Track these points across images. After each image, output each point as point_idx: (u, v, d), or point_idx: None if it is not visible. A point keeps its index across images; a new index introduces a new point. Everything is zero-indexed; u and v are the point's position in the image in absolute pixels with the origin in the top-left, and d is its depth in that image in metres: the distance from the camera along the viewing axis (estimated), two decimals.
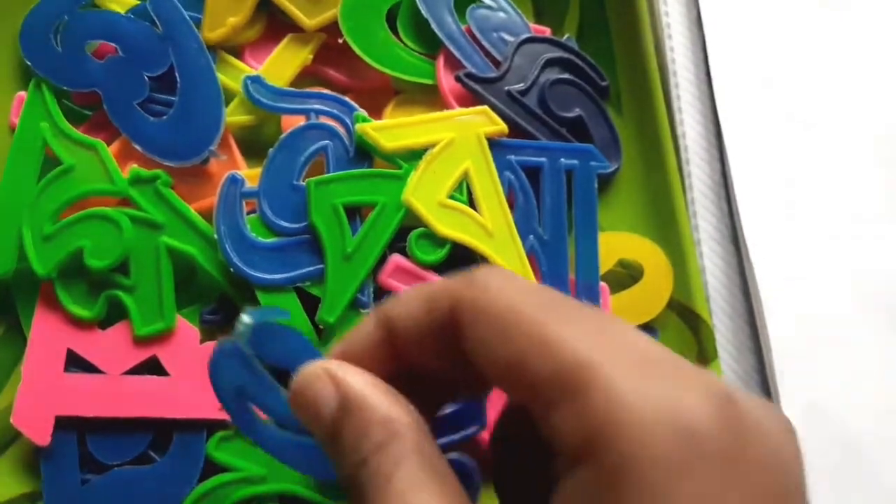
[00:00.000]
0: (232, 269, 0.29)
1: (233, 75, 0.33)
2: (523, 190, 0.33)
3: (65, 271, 0.29)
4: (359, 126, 0.31)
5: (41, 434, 0.28)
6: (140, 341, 0.29)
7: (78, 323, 0.29)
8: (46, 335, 0.29)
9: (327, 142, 0.31)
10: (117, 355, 0.29)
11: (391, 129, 0.31)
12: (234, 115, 0.32)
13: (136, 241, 0.29)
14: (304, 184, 0.30)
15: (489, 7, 0.35)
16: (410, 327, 0.19)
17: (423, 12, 0.34)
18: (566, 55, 0.36)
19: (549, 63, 0.35)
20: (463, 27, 0.34)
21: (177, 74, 0.31)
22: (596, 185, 0.34)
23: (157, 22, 0.31)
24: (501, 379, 0.18)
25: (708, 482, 0.15)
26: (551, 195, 0.33)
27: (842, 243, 0.36)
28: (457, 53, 0.34)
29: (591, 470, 0.16)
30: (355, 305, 0.29)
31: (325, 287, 0.29)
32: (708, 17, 0.39)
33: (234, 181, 0.30)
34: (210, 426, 0.29)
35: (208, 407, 0.28)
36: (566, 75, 0.35)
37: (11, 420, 0.28)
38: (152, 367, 0.29)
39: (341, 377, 0.19)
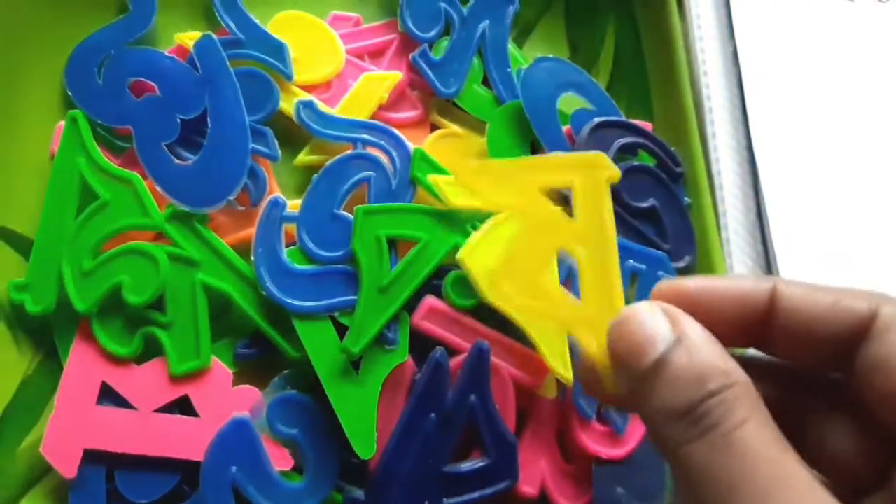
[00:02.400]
0: (264, 292, 0.29)
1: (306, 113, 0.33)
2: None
3: (102, 307, 0.29)
4: (431, 177, 0.30)
5: (68, 466, 0.28)
6: (174, 379, 0.29)
7: (114, 357, 0.29)
8: (82, 367, 0.29)
9: (371, 173, 0.31)
10: (150, 392, 0.29)
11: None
12: (311, 156, 0.33)
13: (172, 278, 0.29)
14: (344, 213, 0.30)
15: (592, 112, 0.35)
16: (808, 313, 0.19)
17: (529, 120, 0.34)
18: (640, 140, 0.35)
19: (624, 148, 0.34)
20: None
21: (208, 120, 0.31)
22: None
23: (198, 65, 0.32)
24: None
25: None
26: None
27: (887, 288, 0.35)
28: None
29: None
30: (381, 340, 0.29)
31: (354, 317, 0.29)
32: (744, 52, 0.39)
33: (276, 204, 0.30)
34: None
35: None
36: (640, 162, 0.34)
37: (41, 450, 0.28)
38: (183, 405, 0.29)
39: (681, 318, 0.18)
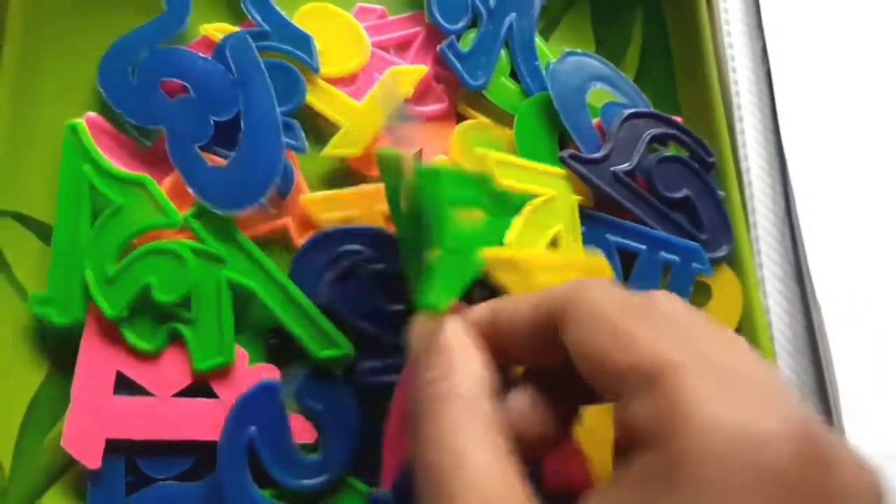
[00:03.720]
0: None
1: (332, 104, 0.33)
2: (614, 272, 0.31)
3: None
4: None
5: (92, 457, 0.28)
6: (197, 374, 0.29)
7: (127, 346, 0.29)
8: (95, 358, 0.29)
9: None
10: (167, 378, 0.29)
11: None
12: (337, 149, 0.32)
13: (197, 274, 0.29)
14: None
15: (622, 105, 0.35)
16: (516, 323, 0.22)
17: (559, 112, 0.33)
18: (671, 131, 0.34)
19: (654, 139, 0.34)
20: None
21: (242, 122, 0.31)
22: (692, 289, 0.33)
23: (233, 66, 0.31)
24: (589, 372, 0.20)
25: None
26: (640, 287, 0.29)
27: None
28: (581, 147, 0.33)
29: (656, 455, 0.17)
30: None
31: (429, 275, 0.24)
32: (774, 49, 0.38)
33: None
34: None
35: None
36: (672, 153, 0.34)
37: (62, 443, 0.28)
38: (200, 387, 0.29)
39: (445, 321, 0.23)
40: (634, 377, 0.18)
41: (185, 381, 0.29)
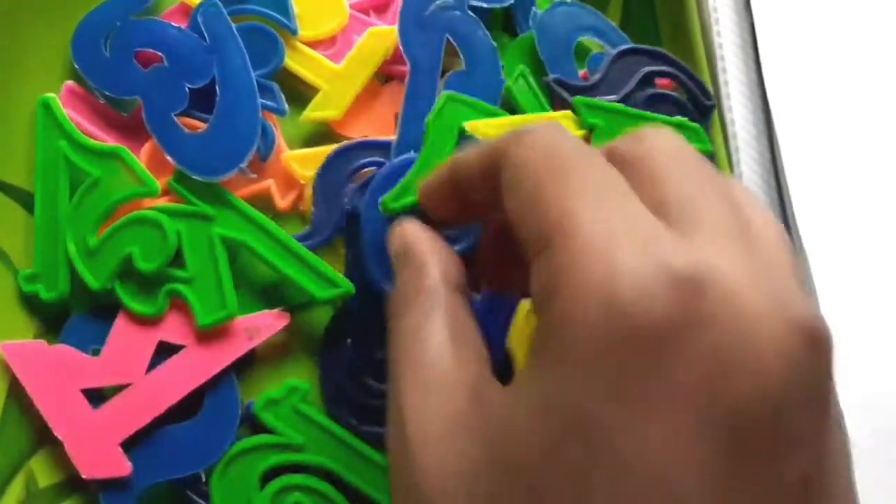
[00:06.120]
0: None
1: (311, 67, 0.33)
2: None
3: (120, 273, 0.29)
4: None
5: (119, 467, 0.28)
6: (142, 328, 0.29)
7: (69, 361, 0.29)
8: (53, 394, 0.28)
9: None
10: (128, 366, 0.29)
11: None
12: (317, 111, 0.32)
13: (188, 234, 0.29)
14: None
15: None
16: (466, 172, 0.21)
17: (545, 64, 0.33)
18: (670, 69, 0.33)
19: (649, 77, 0.33)
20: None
21: (217, 88, 0.31)
22: None
23: (205, 34, 0.31)
24: (517, 239, 0.18)
25: (628, 372, 0.15)
26: None
27: None
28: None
29: (539, 323, 0.16)
30: None
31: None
32: (757, 2, 0.38)
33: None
34: (238, 372, 0.29)
35: (229, 353, 0.29)
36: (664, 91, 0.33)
37: (83, 477, 0.27)
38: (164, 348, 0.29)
39: (405, 223, 0.23)
40: (537, 240, 0.17)
41: (147, 357, 0.29)
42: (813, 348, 0.16)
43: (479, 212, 0.23)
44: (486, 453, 0.16)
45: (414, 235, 0.22)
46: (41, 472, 0.29)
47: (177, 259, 0.30)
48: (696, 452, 0.15)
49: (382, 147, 0.32)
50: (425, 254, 0.21)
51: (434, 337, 0.19)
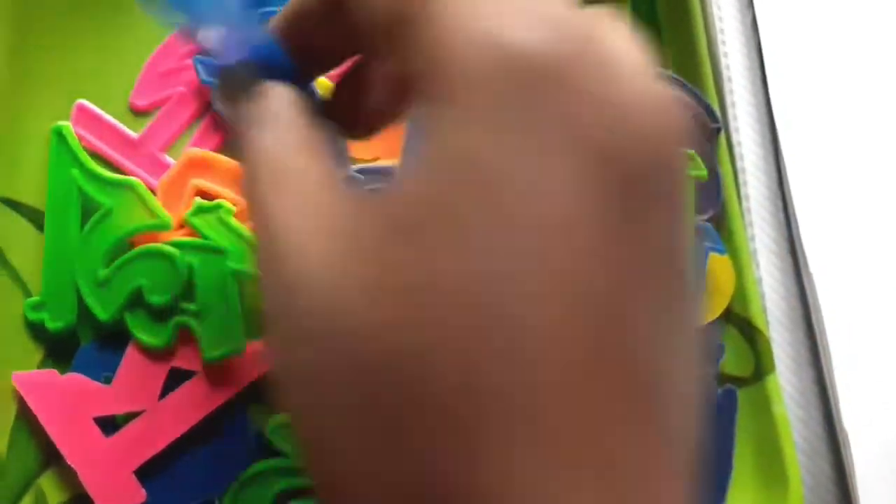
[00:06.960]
0: None
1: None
2: None
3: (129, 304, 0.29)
4: None
5: (134, 496, 0.28)
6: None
7: (81, 390, 0.29)
8: (65, 423, 0.29)
9: None
10: (141, 393, 0.29)
11: None
12: None
13: (201, 268, 0.30)
14: None
15: None
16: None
17: None
18: (675, 91, 0.33)
19: None
20: None
21: None
22: (705, 269, 0.32)
23: None
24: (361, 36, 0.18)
25: (520, 107, 0.14)
26: None
27: None
28: None
29: (421, 106, 0.15)
30: None
31: None
32: (763, 19, 0.38)
33: None
34: (249, 397, 0.30)
35: (241, 379, 0.29)
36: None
37: None
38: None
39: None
40: (380, 37, 0.16)
41: (159, 384, 0.29)
42: (678, 122, 0.15)
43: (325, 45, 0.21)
44: (367, 221, 0.15)
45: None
46: (51, 490, 0.29)
47: (188, 289, 0.30)
48: (592, 199, 0.14)
49: (392, 173, 0.32)
50: (269, 93, 0.20)
51: (294, 159, 0.18)
